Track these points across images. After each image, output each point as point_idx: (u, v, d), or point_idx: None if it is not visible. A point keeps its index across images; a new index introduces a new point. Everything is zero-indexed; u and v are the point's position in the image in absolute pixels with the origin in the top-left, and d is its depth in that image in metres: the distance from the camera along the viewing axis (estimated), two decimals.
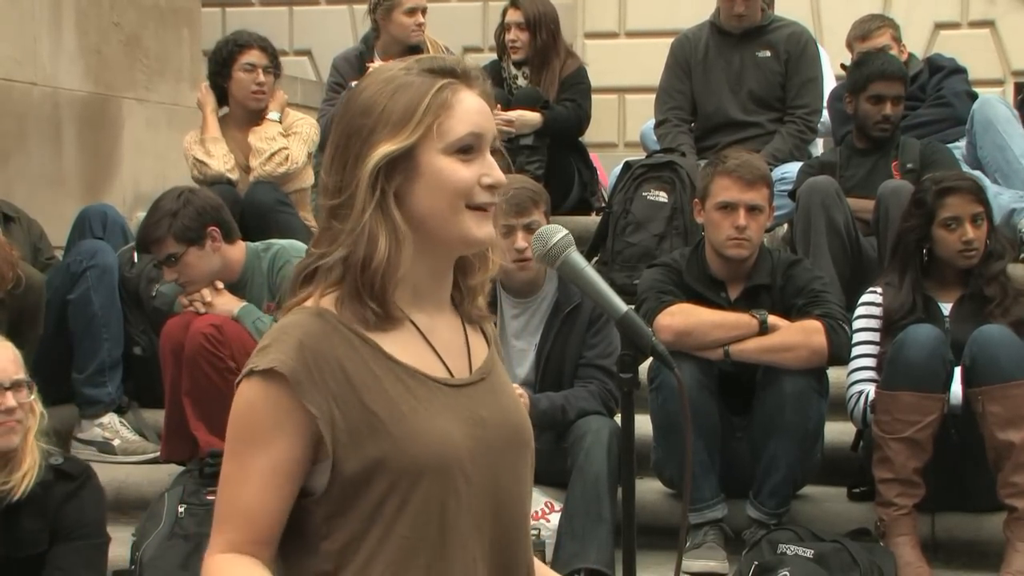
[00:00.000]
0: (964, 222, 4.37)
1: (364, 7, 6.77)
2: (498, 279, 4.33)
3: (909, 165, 5.38)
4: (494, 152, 1.93)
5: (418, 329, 1.92)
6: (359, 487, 1.83)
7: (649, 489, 4.50)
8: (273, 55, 5.86)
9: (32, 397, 3.62)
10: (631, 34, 9.68)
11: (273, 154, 5.68)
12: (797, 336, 4.25)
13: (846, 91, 5.59)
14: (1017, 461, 4.07)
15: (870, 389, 4.31)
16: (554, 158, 6.26)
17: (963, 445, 4.19)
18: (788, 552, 4.02)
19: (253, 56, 5.78)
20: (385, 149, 1.85)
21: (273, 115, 5.79)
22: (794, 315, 4.32)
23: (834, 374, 4.42)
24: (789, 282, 4.42)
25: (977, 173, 5.37)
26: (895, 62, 5.65)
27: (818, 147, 6.48)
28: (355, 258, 1.85)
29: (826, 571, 3.94)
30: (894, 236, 4.61)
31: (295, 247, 4.84)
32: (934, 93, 6.12)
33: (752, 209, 4.35)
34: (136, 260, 5.39)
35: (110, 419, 5.21)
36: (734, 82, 6.13)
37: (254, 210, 5.53)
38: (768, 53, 6.11)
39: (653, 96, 6.40)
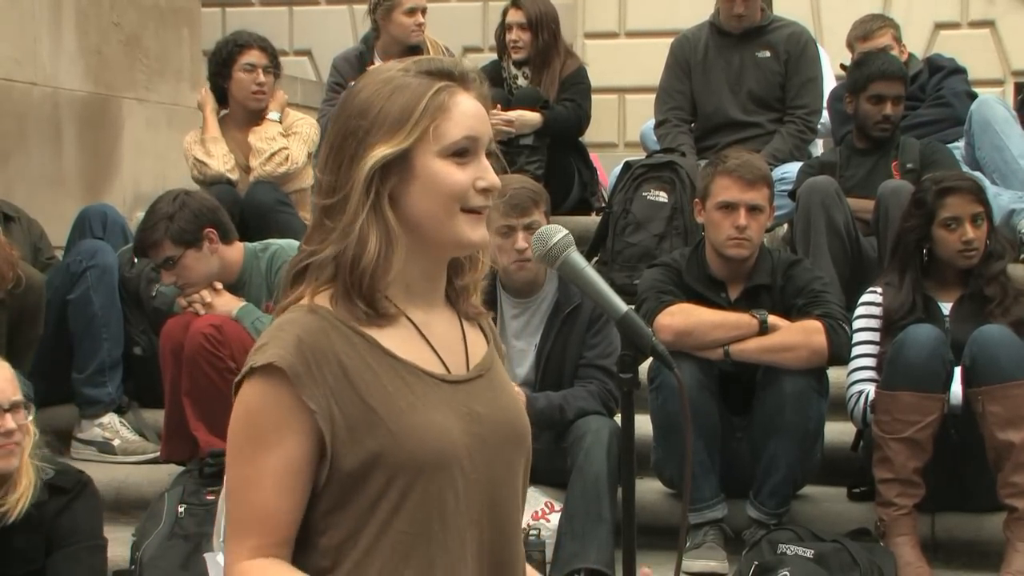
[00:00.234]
0: (964, 222, 4.37)
1: (364, 7, 6.77)
2: (499, 279, 4.39)
3: (909, 165, 5.38)
4: (489, 155, 1.93)
5: (414, 325, 1.92)
6: (357, 482, 1.83)
7: (649, 489, 4.49)
8: (273, 55, 5.86)
9: (30, 418, 3.56)
10: (631, 34, 9.68)
11: (273, 154, 5.68)
12: (797, 336, 4.25)
13: (846, 91, 5.59)
14: (1017, 461, 4.07)
15: (870, 389, 4.31)
16: (554, 158, 6.26)
17: (963, 445, 4.19)
18: (788, 552, 4.02)
19: (253, 56, 5.78)
20: (381, 152, 1.86)
21: (273, 115, 5.79)
22: (794, 315, 4.32)
23: (834, 374, 4.42)
24: (789, 282, 4.42)
25: (976, 174, 5.36)
26: (895, 62, 5.65)
27: (818, 147, 6.47)
28: (344, 258, 1.86)
29: (826, 571, 3.94)
30: (894, 236, 4.61)
31: (293, 247, 4.82)
32: (934, 93, 6.12)
33: (752, 209, 4.35)
34: (136, 260, 5.38)
35: (110, 419, 5.21)
36: (734, 82, 6.12)
37: (254, 210, 5.53)
38: (768, 53, 6.11)
39: (653, 96, 6.39)
